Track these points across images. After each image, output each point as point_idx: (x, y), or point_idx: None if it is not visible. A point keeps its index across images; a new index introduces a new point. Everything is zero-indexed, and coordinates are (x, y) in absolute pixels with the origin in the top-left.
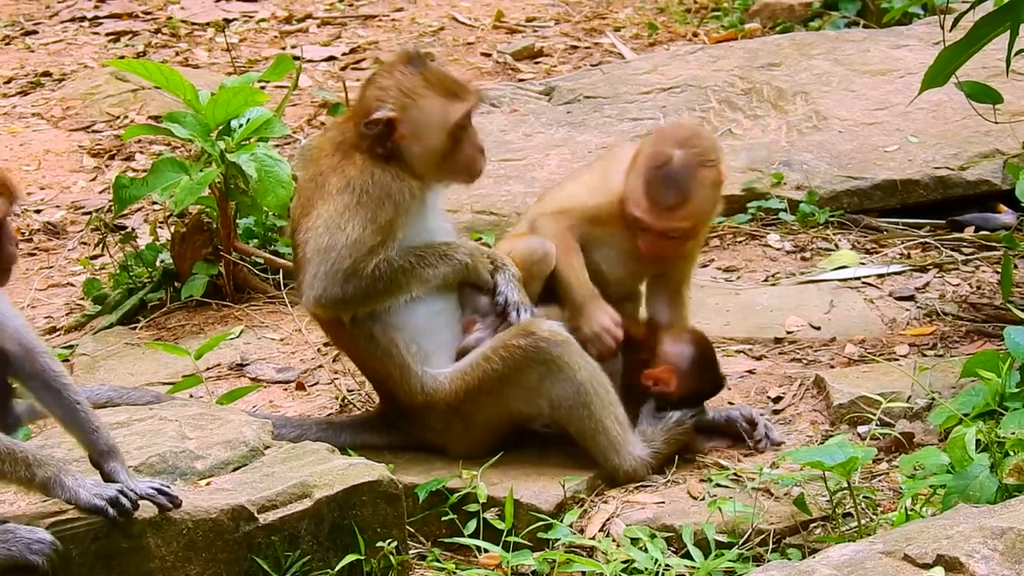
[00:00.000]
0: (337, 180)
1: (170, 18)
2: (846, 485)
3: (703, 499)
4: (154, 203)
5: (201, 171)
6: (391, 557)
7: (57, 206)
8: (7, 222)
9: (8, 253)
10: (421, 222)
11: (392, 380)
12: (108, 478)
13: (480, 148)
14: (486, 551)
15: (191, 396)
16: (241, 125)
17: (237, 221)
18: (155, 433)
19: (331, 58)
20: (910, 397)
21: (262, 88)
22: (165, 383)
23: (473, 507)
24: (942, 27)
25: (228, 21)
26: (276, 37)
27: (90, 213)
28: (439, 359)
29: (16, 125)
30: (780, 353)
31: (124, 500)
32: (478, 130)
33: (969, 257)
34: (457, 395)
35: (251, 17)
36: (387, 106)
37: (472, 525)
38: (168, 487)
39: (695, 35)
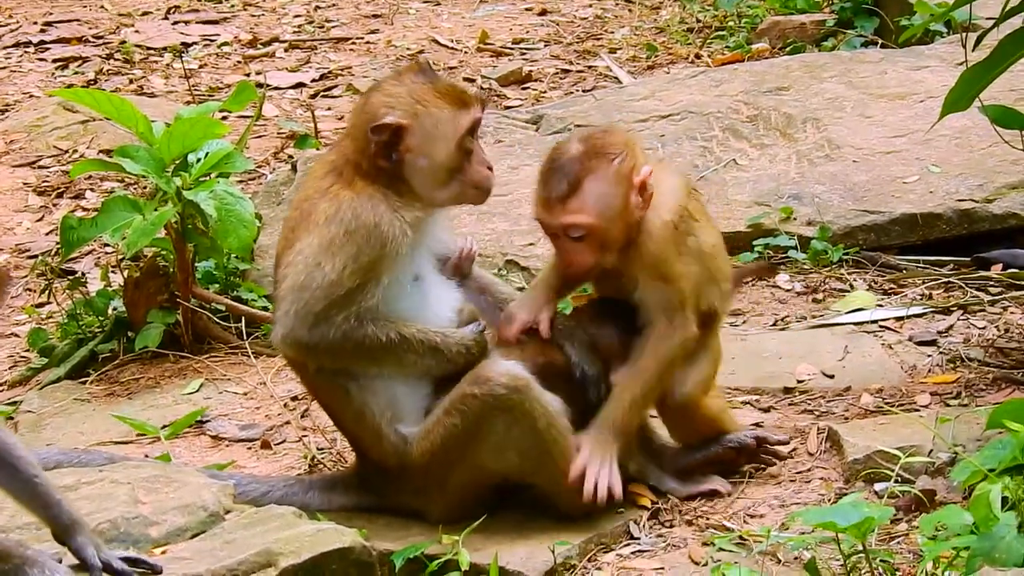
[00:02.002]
0: (326, 207)
1: (123, 42)
2: (861, 548)
3: (705, 564)
4: (105, 245)
5: (156, 210)
6: None
7: (0, 249)
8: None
9: None
10: (410, 265)
11: (364, 440)
12: (77, 555)
13: (488, 164)
14: None
15: (146, 456)
16: (199, 159)
17: (195, 265)
18: (105, 497)
19: (299, 85)
20: (931, 451)
21: (223, 119)
22: (118, 442)
23: (455, 575)
24: (964, 45)
25: (187, 45)
26: (239, 62)
27: (36, 257)
28: (413, 420)
29: None
30: (790, 404)
31: None
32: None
33: (996, 297)
34: (424, 456)
35: (212, 41)
36: (396, 112)
37: None
38: (145, 557)
39: (698, 57)
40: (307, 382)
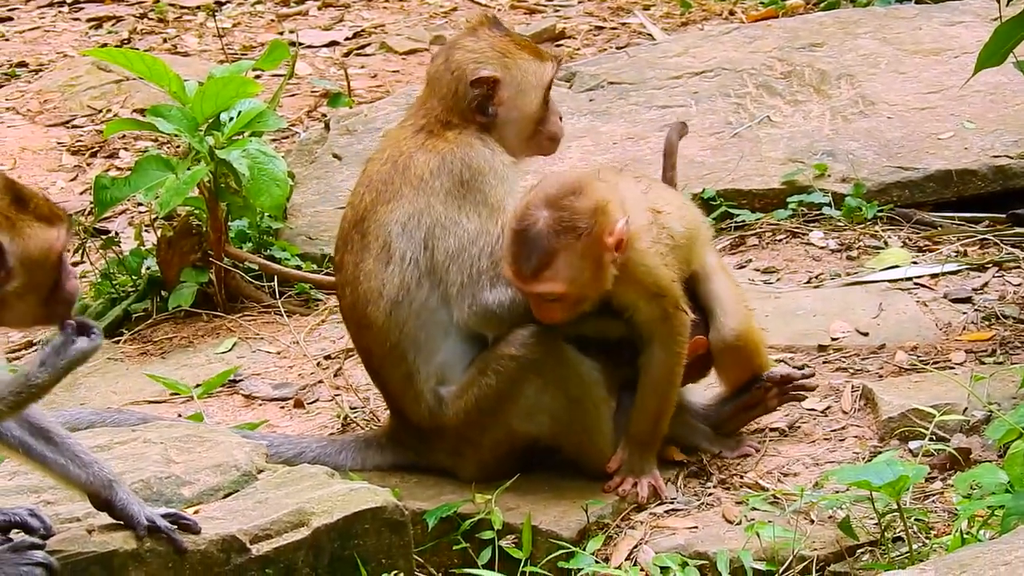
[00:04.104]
0: (425, 159)
1: (157, 1)
2: (896, 507)
3: (739, 523)
4: (139, 205)
5: (189, 169)
6: None
7: None
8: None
9: (72, 286)
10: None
11: (406, 400)
12: (122, 512)
13: (560, 114)
14: None
15: (179, 416)
16: (232, 118)
17: (228, 224)
18: (138, 457)
19: (332, 43)
20: (966, 409)
21: (256, 77)
22: (151, 402)
23: (487, 534)
24: (999, 1)
25: (220, 4)
26: (272, 21)
27: (69, 216)
28: (456, 382)
29: None
30: (824, 362)
31: None
32: None
33: None
34: (459, 416)
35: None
36: (489, 66)
37: (487, 554)
38: (184, 514)
39: (731, 13)
40: (369, 337)
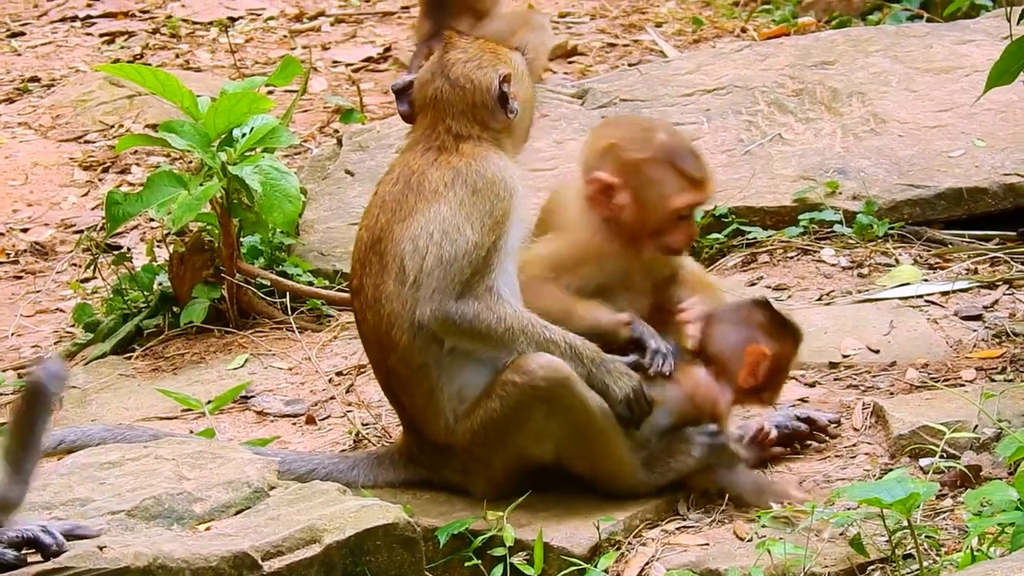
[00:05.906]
0: (439, 174)
1: (169, 17)
2: (906, 524)
3: (750, 540)
4: (151, 220)
5: (201, 185)
6: None
7: (45, 224)
8: None
9: None
10: (521, 224)
11: (425, 417)
12: None
13: None
14: None
15: (191, 432)
16: (244, 134)
17: (241, 240)
18: (149, 473)
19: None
20: (977, 427)
21: (269, 93)
22: (163, 418)
23: (499, 551)
24: (1008, 19)
25: (233, 20)
26: (285, 37)
27: (81, 232)
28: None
29: (1, 135)
30: (835, 379)
31: None
32: None
33: None
34: (466, 436)
35: (258, 15)
36: (499, 66)
37: (498, 571)
38: (51, 530)
39: (743, 31)
40: (395, 359)
